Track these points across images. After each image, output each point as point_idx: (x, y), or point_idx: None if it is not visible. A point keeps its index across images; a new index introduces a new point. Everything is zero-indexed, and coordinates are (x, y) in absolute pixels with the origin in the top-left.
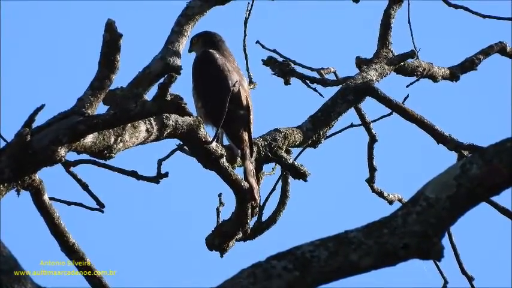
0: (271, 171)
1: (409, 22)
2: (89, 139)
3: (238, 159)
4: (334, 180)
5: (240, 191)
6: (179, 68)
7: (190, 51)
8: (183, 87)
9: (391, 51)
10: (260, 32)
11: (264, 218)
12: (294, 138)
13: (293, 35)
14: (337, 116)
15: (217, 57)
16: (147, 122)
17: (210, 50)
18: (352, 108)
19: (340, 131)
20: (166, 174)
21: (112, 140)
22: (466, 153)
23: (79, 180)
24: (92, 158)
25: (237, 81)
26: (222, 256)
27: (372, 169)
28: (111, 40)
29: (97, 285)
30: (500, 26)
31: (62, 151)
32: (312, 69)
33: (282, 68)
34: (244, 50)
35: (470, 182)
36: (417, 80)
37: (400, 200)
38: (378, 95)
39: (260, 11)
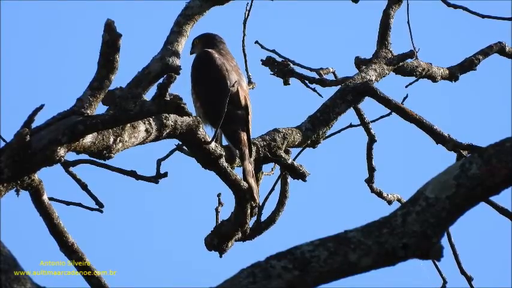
0: (271, 171)
1: (408, 22)
2: (88, 139)
3: (238, 159)
4: (333, 181)
5: (239, 191)
6: (178, 68)
7: (191, 53)
8: (182, 87)
9: (390, 52)
10: (259, 32)
11: (263, 218)
12: (293, 138)
13: (292, 35)
14: (336, 116)
15: (216, 57)
16: (146, 122)
17: (209, 50)
18: (351, 108)
19: (339, 131)
20: (165, 174)
21: (111, 140)
22: (465, 153)
23: (78, 180)
24: (91, 158)
25: (236, 81)
26: (221, 256)
27: (371, 169)
28: (110, 40)
29: (96, 285)
30: (500, 26)
31: (61, 151)
32: (311, 70)
33: (281, 68)
34: (243, 50)
35: (470, 182)
36: (416, 80)
37: (399, 200)
38: (377, 95)
39: (259, 11)
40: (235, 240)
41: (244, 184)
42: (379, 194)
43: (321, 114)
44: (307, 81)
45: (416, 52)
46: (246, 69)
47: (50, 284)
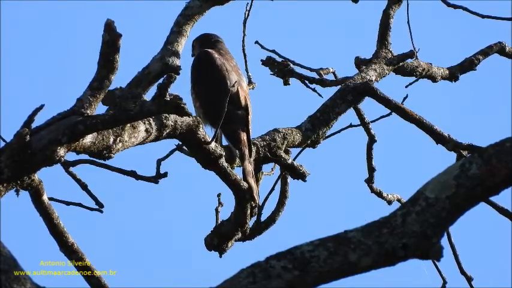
0: (270, 171)
1: (408, 22)
2: (88, 139)
3: (238, 159)
4: (333, 181)
5: (239, 191)
6: (178, 68)
7: (193, 55)
8: (182, 87)
9: (390, 52)
10: (259, 32)
11: (263, 218)
12: (293, 138)
13: (292, 35)
14: (336, 116)
15: (216, 57)
16: (146, 122)
17: (209, 50)
18: (351, 108)
19: (339, 131)
20: (165, 174)
21: (111, 140)
22: (465, 153)
23: (78, 180)
24: (91, 158)
25: (236, 82)
26: (221, 256)
27: (371, 169)
28: (110, 40)
29: (96, 285)
30: (500, 26)
31: (61, 151)
32: (311, 70)
33: (281, 68)
34: (243, 50)
35: (470, 182)
36: (416, 80)
37: (399, 200)
38: (377, 95)
39: (259, 11)
40: (235, 240)
41: (244, 184)
42: (379, 194)
43: (321, 114)
44: (307, 81)
45: (416, 52)
46: (246, 69)
47: (50, 284)
